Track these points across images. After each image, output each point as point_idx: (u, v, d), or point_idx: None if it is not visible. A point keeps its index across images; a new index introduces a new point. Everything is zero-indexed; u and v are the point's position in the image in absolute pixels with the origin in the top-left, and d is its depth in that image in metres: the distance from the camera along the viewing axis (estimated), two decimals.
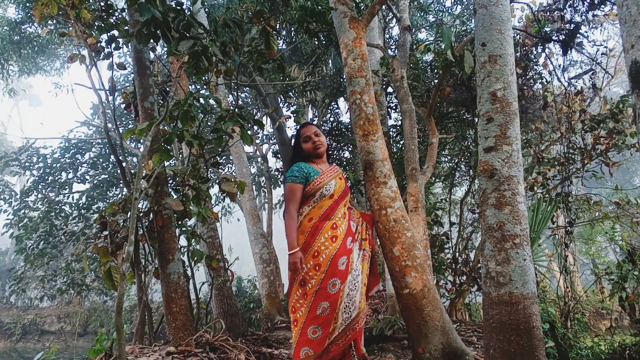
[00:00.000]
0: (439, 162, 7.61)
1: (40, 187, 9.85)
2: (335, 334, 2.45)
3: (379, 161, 3.02)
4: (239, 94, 10.24)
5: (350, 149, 9.78)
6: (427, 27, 11.03)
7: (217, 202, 12.55)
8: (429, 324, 2.72)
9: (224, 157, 10.90)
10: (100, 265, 3.04)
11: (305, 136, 2.79)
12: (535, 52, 5.59)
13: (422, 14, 10.24)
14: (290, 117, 9.08)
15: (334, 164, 2.93)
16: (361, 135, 3.10)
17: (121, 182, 9.68)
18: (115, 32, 3.61)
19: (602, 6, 5.16)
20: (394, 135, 6.79)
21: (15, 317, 15.26)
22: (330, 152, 3.04)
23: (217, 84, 4.37)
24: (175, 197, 3.67)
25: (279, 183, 12.87)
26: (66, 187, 10.14)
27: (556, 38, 5.13)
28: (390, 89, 6.12)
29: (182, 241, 3.95)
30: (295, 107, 10.04)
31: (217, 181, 3.56)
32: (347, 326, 2.48)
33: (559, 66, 5.60)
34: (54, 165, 10.08)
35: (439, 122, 5.89)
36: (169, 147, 3.12)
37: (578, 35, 5.08)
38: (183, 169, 3.52)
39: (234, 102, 6.28)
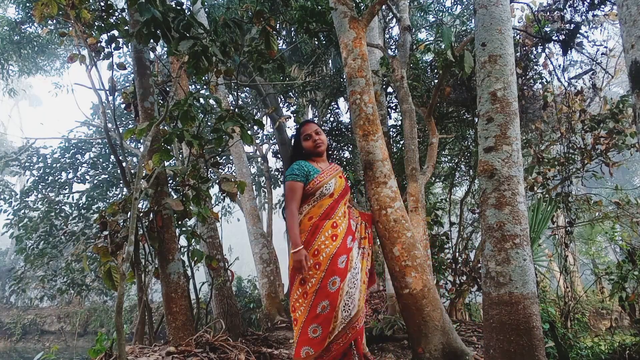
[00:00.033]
0: (439, 162, 7.61)
1: (40, 187, 9.85)
2: (335, 332, 2.44)
3: (379, 161, 3.03)
4: (239, 94, 10.24)
5: (350, 149, 9.78)
6: (427, 27, 11.04)
7: (217, 202, 12.55)
8: (429, 324, 2.72)
9: (224, 157, 10.90)
10: (100, 265, 3.05)
11: (305, 134, 2.77)
12: (535, 52, 5.60)
13: (422, 14, 10.24)
14: (290, 117, 9.08)
15: (334, 163, 2.92)
16: (361, 135, 3.10)
17: (121, 182, 9.68)
18: (115, 32, 3.61)
19: (602, 6, 5.16)
20: (394, 135, 6.79)
21: (15, 317, 15.26)
22: (330, 152, 3.03)
23: (217, 84, 4.37)
24: (175, 197, 3.67)
25: (279, 183, 12.88)
26: (66, 187, 10.14)
27: (556, 38, 5.13)
28: (390, 89, 6.13)
29: (182, 241, 3.95)
30: (295, 107, 10.04)
31: (217, 181, 3.56)
32: (347, 324, 2.47)
33: (559, 66, 5.61)
34: (54, 165, 10.08)
35: (439, 122, 5.89)
36: (169, 147, 3.12)
37: (578, 35, 5.08)
38: (183, 169, 3.52)
39: (234, 102, 6.28)
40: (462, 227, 6.55)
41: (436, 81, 4.91)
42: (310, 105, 11.54)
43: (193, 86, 7.95)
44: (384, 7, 5.65)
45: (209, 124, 7.94)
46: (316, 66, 9.83)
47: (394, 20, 6.67)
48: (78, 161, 10.38)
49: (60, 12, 3.40)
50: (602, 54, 5.64)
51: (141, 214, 3.24)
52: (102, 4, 3.62)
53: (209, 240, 5.10)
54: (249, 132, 3.32)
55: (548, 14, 5.27)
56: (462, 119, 6.46)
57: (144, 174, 3.08)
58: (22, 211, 9.45)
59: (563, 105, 5.27)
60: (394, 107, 6.44)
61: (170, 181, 3.87)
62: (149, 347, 3.12)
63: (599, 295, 8.36)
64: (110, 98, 3.95)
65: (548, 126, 5.86)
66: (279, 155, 10.58)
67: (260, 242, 6.86)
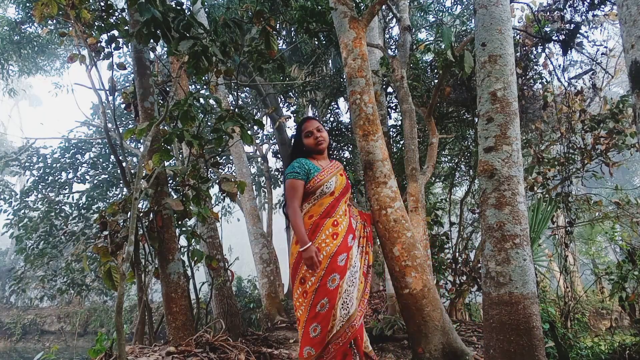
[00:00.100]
0: (439, 162, 7.61)
1: (40, 187, 9.85)
2: (334, 331, 2.42)
3: (379, 161, 3.02)
4: (239, 94, 10.25)
5: (350, 149, 9.79)
6: (427, 27, 11.04)
7: (217, 202, 12.55)
8: (429, 324, 2.72)
9: (224, 157, 10.90)
10: (100, 265, 3.05)
11: (307, 131, 2.73)
12: (535, 52, 5.60)
13: (422, 14, 10.24)
14: (290, 117, 9.09)
15: (335, 160, 2.88)
16: (361, 135, 3.10)
17: (121, 182, 9.69)
18: (115, 32, 3.61)
19: (602, 6, 5.16)
20: (394, 135, 6.79)
21: (15, 317, 15.26)
22: (331, 152, 3.01)
23: (217, 84, 4.37)
24: (175, 197, 3.67)
25: (279, 183, 12.88)
26: (66, 187, 10.15)
27: (556, 38, 5.13)
28: (390, 89, 6.13)
29: (182, 241, 3.95)
30: (295, 107, 10.05)
31: (217, 181, 3.56)
32: (346, 323, 2.44)
33: (559, 66, 5.61)
34: (54, 165, 10.08)
35: (439, 122, 5.89)
36: (169, 147, 3.12)
37: (578, 35, 5.08)
38: (183, 169, 3.52)
39: (234, 102, 6.28)
40: (462, 227, 6.56)
41: (436, 81, 4.91)
42: (310, 105, 11.54)
43: (193, 86, 7.96)
44: (384, 7, 5.65)
45: (209, 124, 7.94)
46: (316, 66, 9.83)
47: (394, 20, 6.67)
48: (78, 161, 10.39)
49: (60, 12, 3.40)
50: (602, 54, 5.64)
51: (141, 214, 3.24)
52: (102, 4, 3.62)
53: (209, 240, 5.10)
54: (249, 132, 3.32)
55: (548, 14, 5.27)
56: (462, 119, 6.46)
57: (144, 174, 3.08)
58: (22, 211, 9.46)
59: (563, 105, 5.27)
60: (394, 107, 6.44)
61: (170, 181, 3.87)
62: (149, 347, 3.12)
63: (599, 295, 8.36)
64: (110, 98, 3.95)
65: (548, 126, 5.86)
66: (279, 155, 10.59)
67: (260, 242, 6.86)
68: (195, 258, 3.71)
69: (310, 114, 11.98)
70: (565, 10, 5.21)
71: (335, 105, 10.70)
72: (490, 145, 2.45)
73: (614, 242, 7.22)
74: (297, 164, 2.64)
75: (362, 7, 5.02)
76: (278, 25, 8.20)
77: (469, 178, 7.35)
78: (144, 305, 3.36)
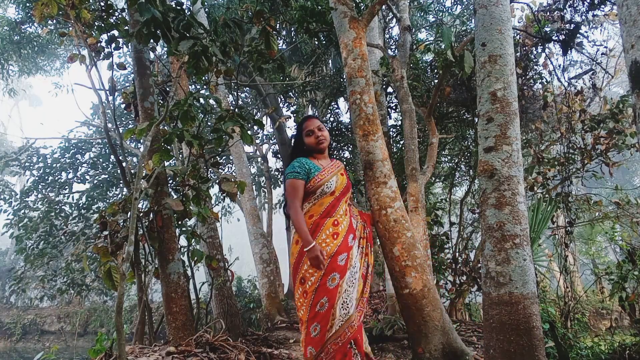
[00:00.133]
0: (439, 162, 7.61)
1: (40, 187, 9.85)
2: (333, 331, 2.41)
3: (379, 161, 3.02)
4: (239, 94, 10.25)
5: (350, 149, 9.79)
6: (427, 27, 11.04)
7: (217, 202, 12.56)
8: (429, 324, 2.72)
9: (224, 157, 10.91)
10: (100, 265, 3.05)
11: (308, 130, 2.71)
12: (535, 52, 5.60)
13: (422, 14, 10.24)
14: (290, 117, 9.09)
15: (336, 159, 2.86)
16: (361, 135, 3.10)
17: (121, 182, 9.69)
18: (115, 32, 3.61)
19: (602, 6, 5.16)
20: (394, 135, 6.80)
21: (15, 317, 15.26)
22: (331, 152, 3.00)
23: (217, 84, 4.37)
24: (175, 197, 3.67)
25: (279, 183, 12.89)
26: (66, 187, 10.15)
27: (556, 38, 5.13)
28: (390, 89, 6.13)
29: (182, 241, 3.95)
30: (295, 107, 10.06)
31: (217, 181, 3.55)
32: (345, 323, 2.43)
33: (559, 66, 5.61)
34: (54, 165, 10.08)
35: (439, 122, 5.89)
36: (169, 147, 3.12)
37: (578, 35, 5.08)
38: (183, 169, 3.52)
39: (234, 102, 6.28)
40: (462, 227, 6.56)
41: (436, 81, 4.91)
42: (310, 105, 11.55)
43: (193, 86, 7.96)
44: (384, 7, 5.65)
45: (209, 124, 7.94)
46: (316, 66, 9.83)
47: (394, 20, 6.67)
48: (78, 161, 10.39)
49: (60, 12, 3.40)
50: (602, 54, 5.64)
51: (141, 214, 3.24)
52: (102, 4, 3.62)
53: (209, 240, 5.10)
54: (249, 132, 3.32)
55: (548, 14, 5.27)
56: (462, 119, 6.46)
57: (144, 174, 3.08)
58: (22, 211, 9.46)
59: (563, 105, 5.27)
60: (394, 107, 6.44)
61: (170, 181, 3.87)
62: (149, 347, 3.12)
63: (599, 295, 8.36)
64: (110, 98, 3.95)
65: (548, 126, 5.86)
66: (279, 155, 10.60)
67: (260, 242, 6.86)
68: (195, 258, 3.71)
69: (310, 113, 11.99)
70: (565, 10, 5.21)
71: (335, 105, 10.71)
72: (490, 145, 2.45)
73: (614, 242, 7.22)
74: (297, 164, 2.62)
75: (362, 7, 5.03)
76: (278, 25, 8.21)
77: (469, 178, 7.35)
78: (144, 305, 3.36)
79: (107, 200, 10.07)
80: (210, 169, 4.39)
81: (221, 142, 3.39)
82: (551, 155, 5.74)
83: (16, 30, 10.95)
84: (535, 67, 5.70)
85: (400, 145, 6.60)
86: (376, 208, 2.95)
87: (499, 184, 2.37)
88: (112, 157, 10.00)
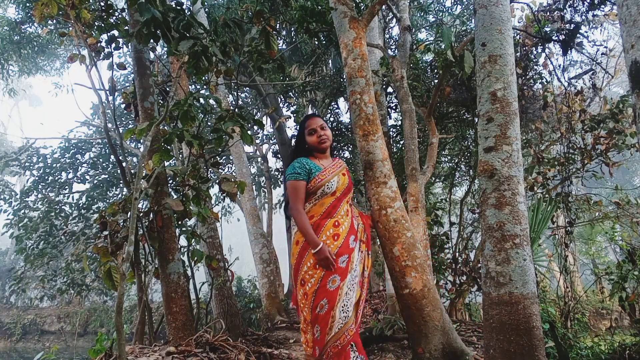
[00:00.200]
0: (439, 162, 7.61)
1: (40, 187, 9.86)
2: (332, 333, 2.39)
3: (379, 161, 3.02)
4: (239, 94, 10.25)
5: (350, 149, 9.80)
6: (427, 27, 11.04)
7: (217, 202, 12.56)
8: (429, 324, 2.72)
9: (224, 157, 10.91)
10: (100, 265, 3.05)
11: (310, 128, 2.66)
12: (535, 52, 5.60)
13: (422, 14, 10.25)
14: (290, 117, 9.10)
15: (338, 158, 2.82)
16: (361, 135, 3.10)
17: (121, 182, 9.69)
18: (115, 32, 3.61)
19: (602, 6, 5.16)
20: (394, 135, 6.80)
21: (15, 317, 15.26)
22: (332, 152, 2.97)
23: (217, 84, 4.37)
24: (175, 197, 3.67)
25: (279, 183, 12.89)
26: (66, 187, 10.15)
27: (556, 38, 5.13)
28: (390, 89, 6.13)
29: (182, 241, 3.95)
30: (295, 107, 10.06)
31: (217, 181, 3.55)
32: (344, 325, 2.42)
33: (559, 66, 5.61)
34: (54, 165, 10.09)
35: (439, 122, 5.89)
36: (169, 147, 3.12)
37: (578, 35, 5.08)
38: (183, 169, 3.52)
39: (234, 102, 6.28)
40: (462, 227, 6.56)
41: (436, 81, 4.91)
42: (310, 105, 11.56)
43: (193, 86, 7.96)
44: (384, 7, 5.65)
45: (209, 124, 7.94)
46: (316, 66, 9.83)
47: (394, 20, 6.67)
48: (78, 161, 10.39)
49: (60, 12, 3.40)
50: (602, 54, 5.64)
51: (141, 214, 3.24)
52: (102, 4, 3.62)
53: (209, 240, 5.10)
54: (249, 132, 3.32)
55: (548, 14, 5.27)
56: (462, 119, 6.46)
57: (144, 174, 3.08)
58: (22, 211, 9.46)
59: (563, 105, 5.27)
60: (394, 107, 6.44)
61: (170, 181, 3.87)
62: (149, 347, 3.12)
63: (599, 295, 8.37)
64: (110, 98, 3.95)
65: (548, 126, 5.86)
66: (279, 155, 10.60)
67: (260, 242, 6.86)
68: (195, 258, 3.71)
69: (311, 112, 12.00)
70: (565, 10, 5.21)
71: (335, 105, 10.72)
72: (490, 145, 2.45)
73: (614, 242, 7.22)
74: (297, 164, 2.59)
75: (362, 7, 5.03)
76: (278, 25, 8.21)
77: (469, 178, 7.35)
78: (144, 305, 3.36)
79: (107, 200, 10.08)
80: (210, 169, 4.39)
81: (221, 142, 3.38)
82: (551, 155, 5.74)
83: (16, 30, 10.95)
84: (535, 67, 5.70)
85: (400, 145, 6.60)
86: (376, 208, 2.95)
87: (499, 184, 2.37)
88: (112, 157, 10.00)
